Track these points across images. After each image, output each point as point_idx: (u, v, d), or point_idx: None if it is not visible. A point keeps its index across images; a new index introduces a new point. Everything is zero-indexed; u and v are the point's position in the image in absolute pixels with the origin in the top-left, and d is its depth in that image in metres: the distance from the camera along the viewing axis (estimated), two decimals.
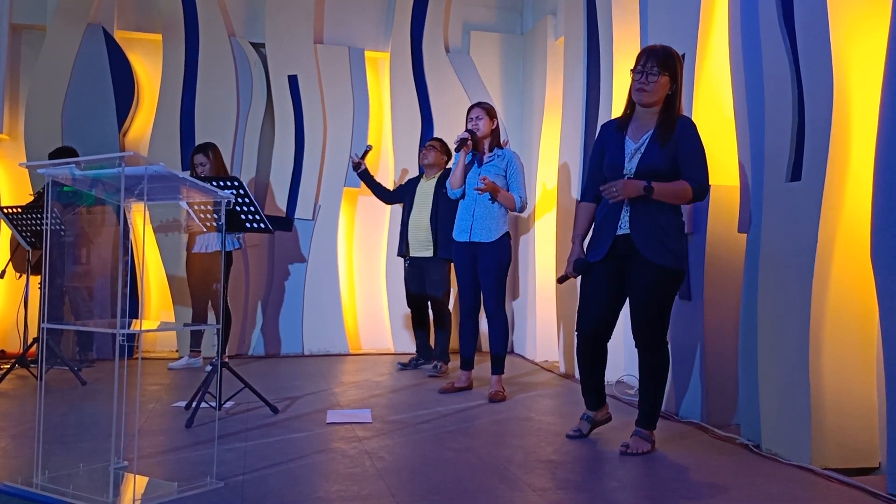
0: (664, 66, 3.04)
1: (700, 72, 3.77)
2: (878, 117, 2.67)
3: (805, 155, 3.02)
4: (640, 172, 3.05)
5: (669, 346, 3.83)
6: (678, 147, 3.05)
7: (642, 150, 3.08)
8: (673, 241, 3.06)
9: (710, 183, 3.09)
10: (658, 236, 3.04)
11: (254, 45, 6.29)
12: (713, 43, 3.80)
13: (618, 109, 4.60)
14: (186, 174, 2.68)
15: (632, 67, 3.12)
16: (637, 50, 4.45)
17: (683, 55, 3.87)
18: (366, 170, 5.50)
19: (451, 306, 5.49)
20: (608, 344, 3.31)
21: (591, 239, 3.26)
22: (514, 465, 2.91)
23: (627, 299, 3.18)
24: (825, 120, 2.91)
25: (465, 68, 6.59)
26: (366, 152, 5.51)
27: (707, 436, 3.45)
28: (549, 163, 5.91)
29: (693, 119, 3.71)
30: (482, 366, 4.88)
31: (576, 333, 3.30)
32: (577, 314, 3.29)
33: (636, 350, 3.20)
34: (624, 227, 3.10)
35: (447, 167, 5.38)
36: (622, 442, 3.18)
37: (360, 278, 6.50)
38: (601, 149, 3.24)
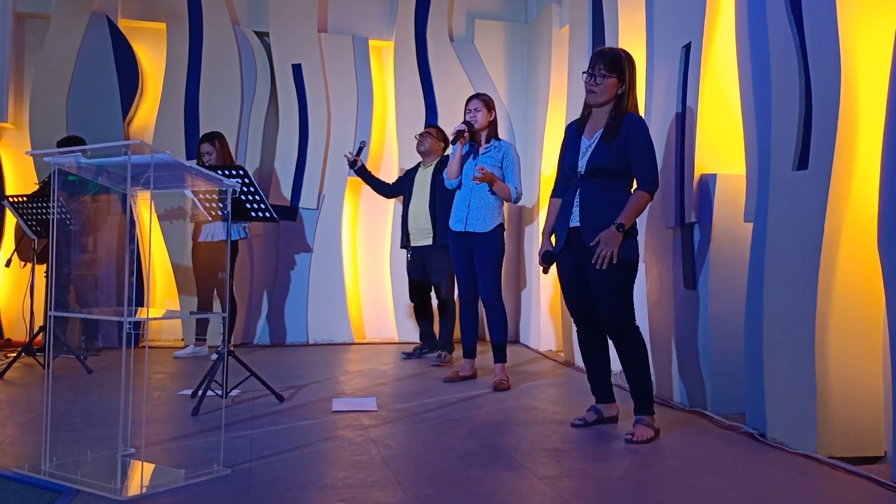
0: (611, 68, 3.21)
1: (706, 61, 3.75)
2: (885, 106, 2.66)
3: (812, 144, 3.01)
4: (589, 169, 3.21)
5: (675, 334, 3.87)
6: (626, 144, 3.18)
7: (592, 148, 3.24)
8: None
9: (658, 176, 3.21)
10: (605, 228, 3.13)
11: (258, 33, 6.28)
12: (720, 31, 3.78)
13: None
14: (192, 163, 2.68)
15: (583, 70, 3.29)
16: (643, 39, 4.43)
17: (689, 44, 3.86)
18: (363, 166, 5.49)
19: (454, 295, 5.50)
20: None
21: (555, 230, 3.43)
22: (519, 453, 2.92)
23: None
24: (832, 109, 2.90)
25: (469, 57, 6.57)
26: (360, 149, 5.49)
27: (712, 424, 3.46)
28: (554, 152, 5.88)
29: (699, 107, 3.71)
30: (486, 355, 4.89)
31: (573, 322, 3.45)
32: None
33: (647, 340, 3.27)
34: (575, 220, 3.25)
35: (444, 154, 5.38)
36: (626, 431, 3.19)
37: (364, 267, 6.51)
38: (565, 148, 3.40)
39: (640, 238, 3.49)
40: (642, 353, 3.24)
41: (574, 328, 5.00)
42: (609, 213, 3.15)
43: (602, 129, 3.23)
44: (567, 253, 3.31)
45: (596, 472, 2.74)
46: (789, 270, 3.09)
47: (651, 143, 3.21)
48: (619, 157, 3.18)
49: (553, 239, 3.44)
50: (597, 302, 3.23)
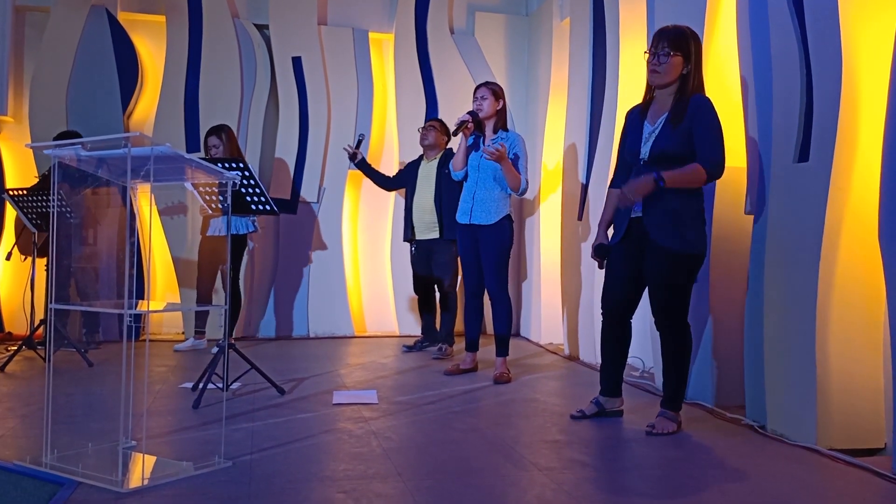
0: (676, 46, 3.05)
1: (707, 52, 3.74)
2: (886, 98, 2.66)
3: (813, 136, 3.00)
4: (653, 156, 3.08)
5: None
6: (692, 126, 3.03)
7: (656, 132, 3.10)
8: (687, 225, 3.06)
9: (724, 160, 3.04)
10: (671, 220, 3.05)
11: (257, 26, 6.26)
12: (721, 23, 3.77)
13: (623, 91, 4.58)
14: (192, 156, 2.68)
15: (645, 50, 3.14)
16: (644, 30, 4.42)
17: None
18: (363, 159, 5.48)
19: (457, 288, 5.49)
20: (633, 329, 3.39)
21: (614, 221, 3.33)
22: (520, 445, 2.93)
23: None
24: (833, 100, 2.89)
25: (469, 50, 6.55)
26: (359, 142, 5.47)
27: (712, 417, 3.46)
28: (555, 145, 5.89)
29: None
30: (487, 348, 4.89)
31: (601, 313, 3.37)
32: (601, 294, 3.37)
33: (651, 332, 3.24)
34: (637, 210, 3.14)
35: (448, 147, 5.36)
36: (648, 423, 3.19)
37: (364, 260, 6.50)
38: (625, 135, 3.27)
39: None
40: (687, 351, 3.18)
41: (581, 322, 5.06)
42: (675, 201, 3.03)
43: (667, 113, 3.08)
44: (624, 245, 3.20)
45: (596, 463, 2.75)
46: (790, 263, 3.08)
47: (719, 126, 3.02)
48: (685, 142, 3.02)
49: (610, 231, 3.34)
50: (651, 295, 3.17)
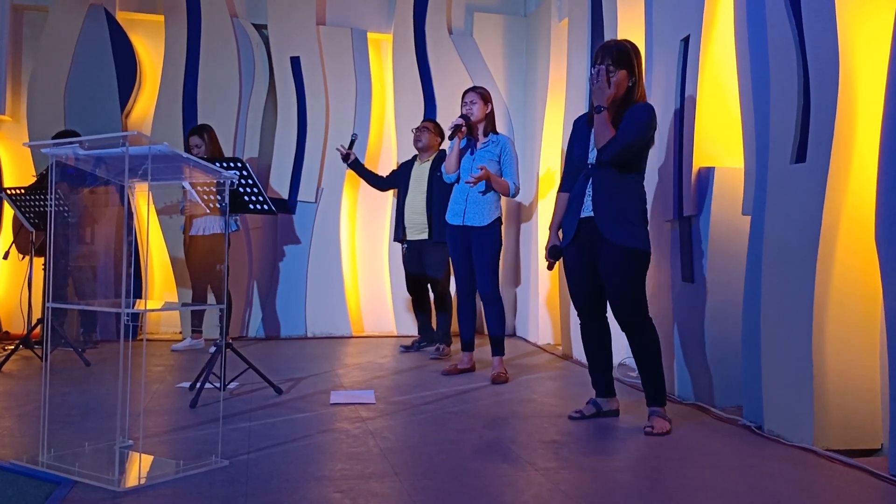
0: (619, 62, 3.18)
1: (705, 53, 3.75)
2: (883, 98, 2.66)
3: (810, 137, 3.01)
4: (599, 163, 3.19)
5: (673, 327, 3.87)
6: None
7: None
8: (634, 223, 3.17)
9: (622, 151, 3.12)
10: (620, 218, 3.15)
11: (256, 26, 6.27)
12: (719, 24, 3.77)
13: None
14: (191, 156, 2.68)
15: (591, 65, 3.27)
16: (642, 32, 4.43)
17: (688, 37, 3.86)
18: (356, 160, 5.48)
19: (451, 289, 5.50)
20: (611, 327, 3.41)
21: (563, 223, 3.40)
22: (517, 445, 2.93)
23: None
24: (830, 101, 2.89)
25: (467, 50, 6.56)
26: (352, 142, 5.46)
27: (709, 417, 3.46)
28: (552, 146, 5.89)
29: (697, 101, 3.71)
30: (484, 348, 4.89)
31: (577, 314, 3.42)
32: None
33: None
34: (587, 210, 3.23)
35: (441, 149, 5.38)
36: (645, 424, 3.19)
37: (362, 260, 6.50)
38: (573, 142, 3.38)
39: None
40: (655, 345, 3.22)
41: (573, 321, 5.07)
42: (623, 203, 3.16)
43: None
44: (576, 245, 3.28)
45: (593, 464, 2.75)
46: (787, 263, 3.09)
47: (641, 127, 3.13)
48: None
49: (560, 234, 3.40)
50: (609, 294, 3.23)
